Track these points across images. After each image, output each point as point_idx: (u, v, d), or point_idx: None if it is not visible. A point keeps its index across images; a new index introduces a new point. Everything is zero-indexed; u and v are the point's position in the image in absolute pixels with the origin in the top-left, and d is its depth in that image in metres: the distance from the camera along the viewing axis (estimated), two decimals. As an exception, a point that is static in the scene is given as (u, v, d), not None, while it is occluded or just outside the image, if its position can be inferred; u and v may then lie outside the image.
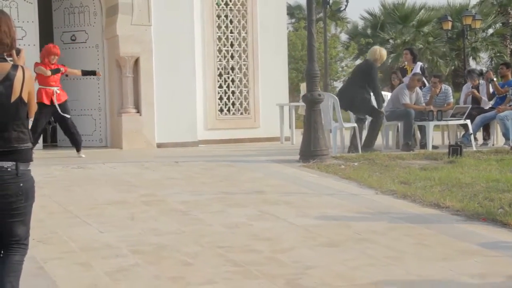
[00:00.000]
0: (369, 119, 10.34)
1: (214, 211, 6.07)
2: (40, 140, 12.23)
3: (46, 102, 9.77)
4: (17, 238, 3.29)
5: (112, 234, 5.24)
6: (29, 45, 11.80)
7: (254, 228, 5.43)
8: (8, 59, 3.31)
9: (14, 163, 3.20)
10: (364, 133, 10.38)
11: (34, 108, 3.33)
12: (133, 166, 8.90)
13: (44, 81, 9.83)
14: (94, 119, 12.28)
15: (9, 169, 3.19)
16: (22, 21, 11.48)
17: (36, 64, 9.88)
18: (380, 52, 10.42)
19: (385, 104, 10.85)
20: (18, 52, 3.35)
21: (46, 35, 12.26)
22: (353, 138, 10.22)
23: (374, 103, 10.22)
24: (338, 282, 4.06)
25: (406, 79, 11.43)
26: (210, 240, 5.03)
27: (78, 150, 10.15)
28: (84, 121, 11.98)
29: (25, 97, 3.25)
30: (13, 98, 3.21)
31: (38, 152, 11.51)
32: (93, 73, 10.72)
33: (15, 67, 3.25)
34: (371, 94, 10.21)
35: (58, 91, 9.91)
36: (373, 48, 10.87)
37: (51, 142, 13.00)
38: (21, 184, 3.23)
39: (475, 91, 11.61)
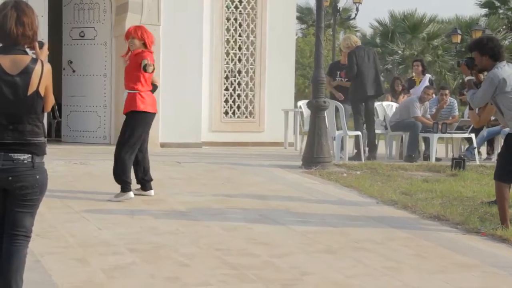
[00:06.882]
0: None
1: (213, 213, 6.06)
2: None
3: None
4: (24, 229, 3.34)
5: (111, 231, 5.24)
6: (37, 39, 11.81)
7: (253, 231, 5.42)
8: (31, 51, 3.32)
9: (30, 155, 3.24)
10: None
11: (50, 103, 3.35)
12: (136, 165, 8.89)
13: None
14: (99, 116, 12.29)
15: (25, 161, 3.23)
16: (32, 15, 11.50)
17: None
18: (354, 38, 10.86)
19: (390, 114, 10.82)
20: (42, 46, 3.36)
21: (55, 30, 12.28)
22: (371, 146, 10.25)
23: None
24: (334, 290, 4.05)
25: (414, 91, 11.40)
26: (208, 241, 5.03)
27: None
28: (89, 117, 11.99)
29: (41, 91, 3.27)
30: (29, 91, 3.23)
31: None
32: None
33: (34, 60, 3.27)
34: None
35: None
36: (350, 36, 11.18)
37: (55, 137, 13.01)
38: (38, 176, 3.28)
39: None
